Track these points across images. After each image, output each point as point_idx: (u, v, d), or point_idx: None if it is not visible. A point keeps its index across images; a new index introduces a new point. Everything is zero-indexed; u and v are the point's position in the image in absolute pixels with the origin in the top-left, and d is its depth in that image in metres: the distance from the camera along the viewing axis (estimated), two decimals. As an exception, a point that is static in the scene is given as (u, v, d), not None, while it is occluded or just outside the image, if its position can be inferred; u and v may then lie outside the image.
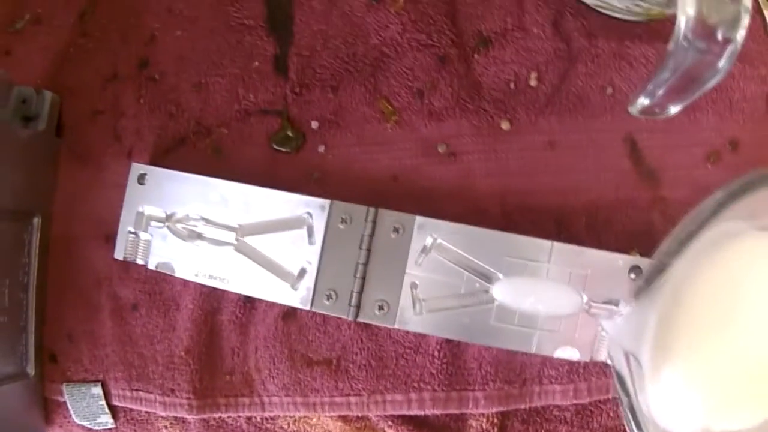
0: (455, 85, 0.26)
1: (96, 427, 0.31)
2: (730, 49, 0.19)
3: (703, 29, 0.19)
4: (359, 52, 0.27)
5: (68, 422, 0.31)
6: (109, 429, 0.31)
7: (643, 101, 0.22)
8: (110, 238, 0.30)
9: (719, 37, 0.19)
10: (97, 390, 0.30)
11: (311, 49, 0.27)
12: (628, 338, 0.23)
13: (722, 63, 0.19)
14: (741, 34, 0.19)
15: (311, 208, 0.25)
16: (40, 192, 0.32)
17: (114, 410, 0.30)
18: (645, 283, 0.23)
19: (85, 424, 0.31)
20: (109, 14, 0.32)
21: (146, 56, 0.30)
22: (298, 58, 0.27)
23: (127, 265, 0.30)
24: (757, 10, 0.28)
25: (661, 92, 0.21)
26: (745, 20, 0.19)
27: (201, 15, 0.30)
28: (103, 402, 0.30)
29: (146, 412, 0.30)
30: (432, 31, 0.26)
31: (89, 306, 0.31)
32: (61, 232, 0.32)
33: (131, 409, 0.30)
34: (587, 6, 0.27)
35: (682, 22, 0.19)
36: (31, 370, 0.31)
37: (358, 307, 0.25)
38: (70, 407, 0.31)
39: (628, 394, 0.23)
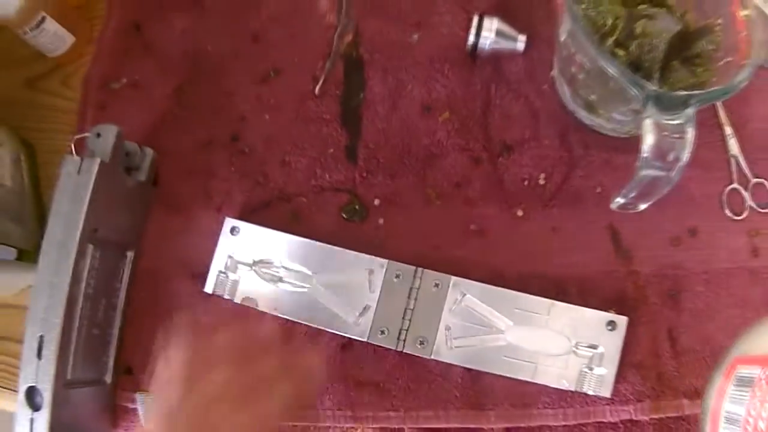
0: (484, 180, 0.40)
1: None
2: (679, 165, 0.31)
3: (659, 154, 0.31)
4: (413, 149, 0.41)
5: (132, 426, 0.42)
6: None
7: (620, 200, 0.36)
8: (195, 276, 0.43)
9: (670, 158, 0.31)
10: None
11: (376, 143, 0.42)
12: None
13: (673, 175, 0.31)
14: (686, 156, 0.31)
15: (373, 265, 0.39)
16: (136, 231, 0.45)
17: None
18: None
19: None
20: (203, 92, 0.46)
21: (237, 132, 0.44)
22: (365, 149, 0.42)
23: (210, 298, 0.43)
24: (717, 125, 0.43)
25: (632, 195, 0.34)
26: (689, 146, 0.31)
27: (286, 105, 0.44)
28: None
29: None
30: (469, 138, 0.41)
31: (168, 329, 0.44)
32: (148, 266, 0.44)
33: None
34: (585, 125, 0.41)
35: (645, 149, 0.31)
36: (108, 378, 0.42)
37: (404, 341, 0.39)
38: (140, 412, 0.43)
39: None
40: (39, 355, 0.38)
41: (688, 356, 0.40)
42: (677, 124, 0.31)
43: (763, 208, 0.41)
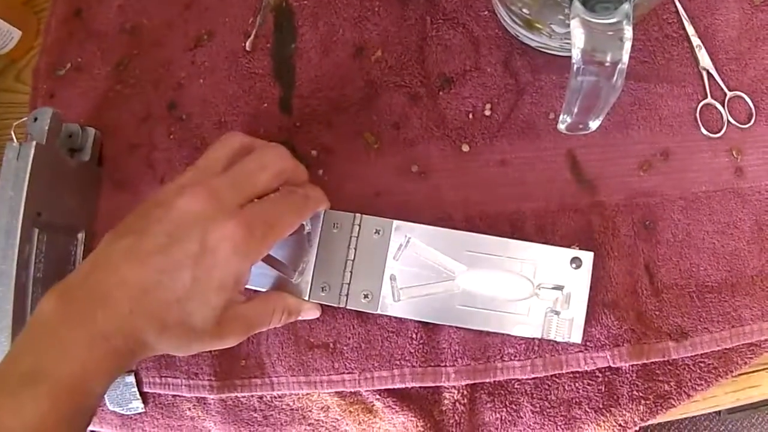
0: (424, 118, 0.37)
1: (127, 413, 0.42)
2: (619, 68, 0.27)
3: (592, 57, 0.27)
4: (347, 94, 0.38)
5: (102, 410, 0.41)
6: (139, 414, 0.42)
7: (565, 119, 0.32)
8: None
9: (607, 61, 0.27)
10: (131, 378, 0.41)
11: (310, 93, 0.39)
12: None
13: (615, 80, 0.27)
14: (626, 57, 0.27)
15: (310, 217, 0.37)
16: (84, 212, 0.44)
17: (144, 396, 0.41)
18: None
19: (117, 410, 0.41)
20: (142, 66, 0.44)
21: (174, 100, 0.42)
22: (299, 99, 0.39)
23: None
24: (685, 37, 0.39)
25: (575, 110, 0.31)
26: (627, 45, 0.27)
27: (218, 66, 0.42)
28: (135, 389, 0.41)
29: (173, 396, 0.40)
30: (404, 74, 0.37)
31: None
32: (101, 247, 0.43)
33: (159, 395, 0.41)
34: (531, 47, 0.38)
35: (575, 53, 0.27)
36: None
37: (347, 296, 0.36)
38: (105, 395, 0.42)
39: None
40: None
41: (670, 292, 0.35)
42: (612, 23, 0.28)
43: (743, 124, 0.37)
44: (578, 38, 0.28)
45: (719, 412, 0.77)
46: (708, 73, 0.38)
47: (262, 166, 0.32)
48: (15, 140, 0.39)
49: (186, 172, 0.33)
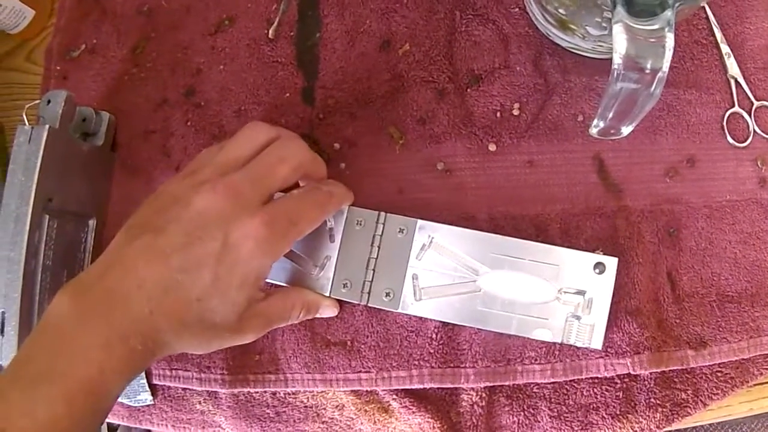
0: (451, 114, 0.36)
1: (135, 404, 0.40)
2: (659, 76, 0.26)
3: (633, 64, 0.26)
4: (373, 87, 0.37)
5: None
6: (147, 406, 0.40)
7: (598, 123, 0.31)
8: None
9: (648, 68, 0.26)
10: (141, 371, 0.40)
11: (334, 84, 0.37)
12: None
13: (654, 89, 0.27)
14: (666, 65, 0.26)
15: (333, 214, 0.35)
16: (96, 198, 0.42)
17: (153, 388, 0.39)
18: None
19: (125, 401, 0.40)
20: (159, 49, 0.43)
21: (193, 86, 0.41)
22: (322, 90, 0.38)
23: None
24: (714, 44, 0.38)
25: (610, 115, 0.30)
26: (669, 54, 0.26)
27: (239, 53, 0.40)
28: (144, 381, 0.40)
29: (183, 389, 0.39)
30: (432, 69, 0.36)
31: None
32: (112, 234, 0.41)
33: (169, 387, 0.39)
34: (562, 48, 0.36)
35: (616, 59, 0.27)
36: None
37: (369, 294, 0.34)
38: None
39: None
40: (2, 331, 0.37)
41: (691, 301, 0.34)
42: (654, 29, 0.26)
43: (769, 134, 0.36)
44: (620, 44, 0.27)
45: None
46: (736, 81, 0.37)
47: (281, 159, 0.31)
48: (27, 123, 0.37)
49: (204, 167, 0.31)
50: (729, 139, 0.36)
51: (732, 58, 0.37)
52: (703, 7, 0.38)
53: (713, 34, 0.37)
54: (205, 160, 0.32)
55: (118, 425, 0.44)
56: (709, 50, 0.37)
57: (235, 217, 0.29)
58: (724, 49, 0.37)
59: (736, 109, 0.37)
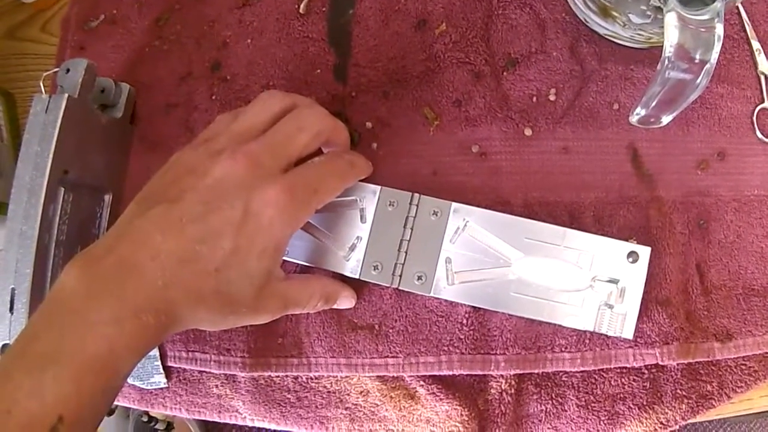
0: (487, 97, 0.35)
1: (148, 387, 0.38)
2: (706, 68, 0.26)
3: (684, 53, 0.26)
4: (408, 66, 0.36)
5: None
6: (161, 389, 0.38)
7: (640, 111, 0.30)
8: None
9: (696, 59, 0.26)
10: (154, 351, 0.38)
11: (367, 62, 0.36)
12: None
13: (700, 80, 0.27)
14: (714, 57, 0.26)
15: (365, 192, 0.34)
16: (113, 172, 0.40)
17: (167, 371, 0.38)
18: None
19: (137, 383, 0.38)
20: (184, 21, 0.41)
21: (219, 60, 0.39)
22: (355, 68, 0.36)
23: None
24: (746, 40, 0.38)
25: (653, 104, 0.29)
26: (717, 46, 0.26)
27: (268, 27, 0.39)
28: (159, 363, 0.38)
29: (199, 372, 0.37)
30: (469, 51, 0.35)
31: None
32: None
33: (185, 370, 0.37)
34: (599, 35, 0.36)
35: (667, 48, 0.27)
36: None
37: (400, 277, 0.33)
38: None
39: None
40: (11, 309, 0.35)
41: (719, 293, 0.34)
42: (705, 20, 0.26)
43: (797, 130, 0.35)
44: (672, 33, 0.26)
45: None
46: (766, 77, 0.36)
47: (299, 127, 0.30)
48: (44, 92, 0.35)
49: (218, 135, 0.30)
50: (758, 134, 0.36)
51: (762, 55, 0.37)
52: (736, 5, 0.37)
53: (744, 30, 0.37)
54: (220, 128, 0.31)
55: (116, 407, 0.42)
56: (740, 46, 0.37)
57: (255, 185, 0.28)
58: (755, 45, 0.37)
59: (766, 104, 0.36)
